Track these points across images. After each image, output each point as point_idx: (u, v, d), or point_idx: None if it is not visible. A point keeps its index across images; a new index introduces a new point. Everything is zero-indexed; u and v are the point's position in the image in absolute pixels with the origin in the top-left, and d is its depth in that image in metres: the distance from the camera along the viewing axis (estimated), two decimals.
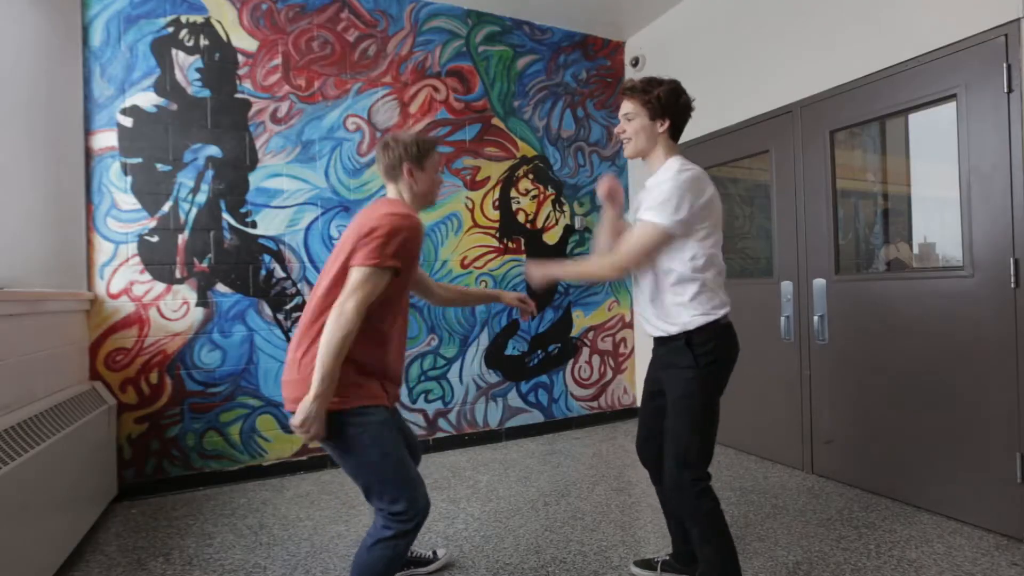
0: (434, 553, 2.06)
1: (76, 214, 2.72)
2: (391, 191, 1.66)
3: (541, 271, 1.70)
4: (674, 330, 1.57)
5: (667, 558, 1.94)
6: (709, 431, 1.57)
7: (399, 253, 1.45)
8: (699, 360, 1.54)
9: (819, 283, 2.85)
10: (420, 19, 3.55)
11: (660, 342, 1.65)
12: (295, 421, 1.38)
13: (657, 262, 1.57)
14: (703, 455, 1.56)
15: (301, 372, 1.45)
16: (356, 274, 1.42)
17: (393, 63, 3.47)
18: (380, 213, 1.46)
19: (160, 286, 2.91)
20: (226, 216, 3.05)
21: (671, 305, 1.57)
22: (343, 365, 1.41)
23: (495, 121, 3.77)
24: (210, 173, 3.03)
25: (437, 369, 3.55)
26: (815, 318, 2.86)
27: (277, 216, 3.16)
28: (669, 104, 1.63)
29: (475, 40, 3.72)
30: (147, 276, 2.89)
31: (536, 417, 3.85)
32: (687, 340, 1.55)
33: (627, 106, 1.67)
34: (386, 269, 1.44)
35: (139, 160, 2.89)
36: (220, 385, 3.01)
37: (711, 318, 1.55)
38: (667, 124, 1.65)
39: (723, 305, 1.59)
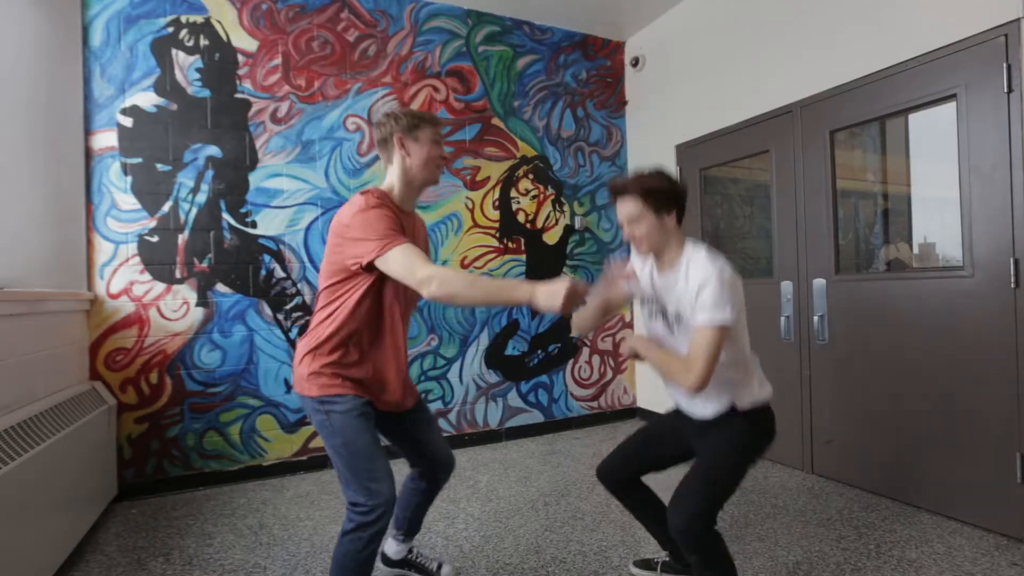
0: (439, 567, 1.94)
1: (76, 214, 2.72)
2: (388, 173, 1.63)
3: (640, 344, 1.63)
4: (724, 409, 1.58)
5: (667, 559, 1.94)
6: (733, 492, 1.61)
7: (396, 229, 1.46)
8: (751, 436, 1.59)
9: (819, 283, 2.85)
10: (420, 19, 3.55)
11: (712, 419, 1.62)
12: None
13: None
14: (720, 509, 1.60)
15: (300, 369, 1.55)
16: (390, 258, 1.40)
17: (393, 63, 3.47)
18: (351, 212, 1.47)
19: (160, 286, 2.91)
20: (226, 216, 3.05)
21: (727, 385, 1.57)
22: (322, 359, 1.51)
23: (495, 121, 3.77)
24: (210, 173, 3.03)
25: (437, 369, 3.55)
26: (815, 318, 2.86)
27: (277, 216, 3.16)
28: (670, 195, 1.58)
29: (475, 40, 3.72)
30: (147, 276, 2.89)
31: (536, 417, 3.85)
32: (744, 415, 1.57)
33: (629, 208, 1.59)
34: (403, 245, 1.43)
35: (139, 160, 2.89)
36: (220, 385, 3.02)
37: (763, 397, 1.60)
38: (674, 213, 1.60)
39: (768, 384, 1.64)
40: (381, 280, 1.51)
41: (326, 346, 1.52)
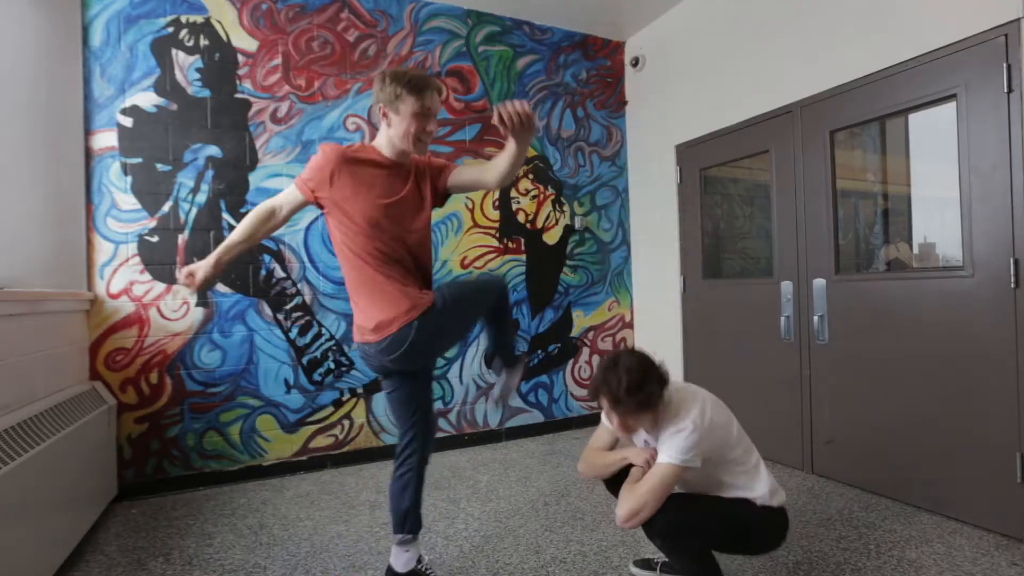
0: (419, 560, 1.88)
1: (76, 214, 2.72)
2: (381, 131, 1.72)
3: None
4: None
5: (666, 559, 1.94)
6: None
7: (312, 177, 1.64)
8: (768, 534, 1.69)
9: (819, 283, 2.85)
10: (420, 19, 3.55)
11: None
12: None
13: (719, 472, 1.68)
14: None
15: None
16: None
17: (393, 63, 3.47)
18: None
19: (160, 286, 2.91)
20: (226, 216, 3.05)
21: (729, 489, 1.67)
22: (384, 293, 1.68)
23: (495, 121, 3.76)
24: (210, 173, 3.03)
25: (437, 369, 3.55)
26: (815, 318, 2.86)
27: None
28: (655, 394, 1.59)
29: (475, 40, 3.72)
30: (147, 276, 2.89)
31: (536, 417, 3.85)
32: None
33: (625, 411, 1.60)
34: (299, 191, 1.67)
35: (139, 160, 2.89)
36: (220, 385, 3.02)
37: (775, 503, 1.66)
38: (660, 401, 1.62)
39: (781, 492, 1.70)
40: (355, 208, 1.65)
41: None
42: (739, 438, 1.69)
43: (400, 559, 1.83)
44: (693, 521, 1.62)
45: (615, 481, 1.85)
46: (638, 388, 1.56)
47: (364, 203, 1.63)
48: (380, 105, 1.62)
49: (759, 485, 1.66)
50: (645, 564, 1.97)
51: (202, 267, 1.72)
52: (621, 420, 1.63)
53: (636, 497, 1.57)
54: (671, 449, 1.56)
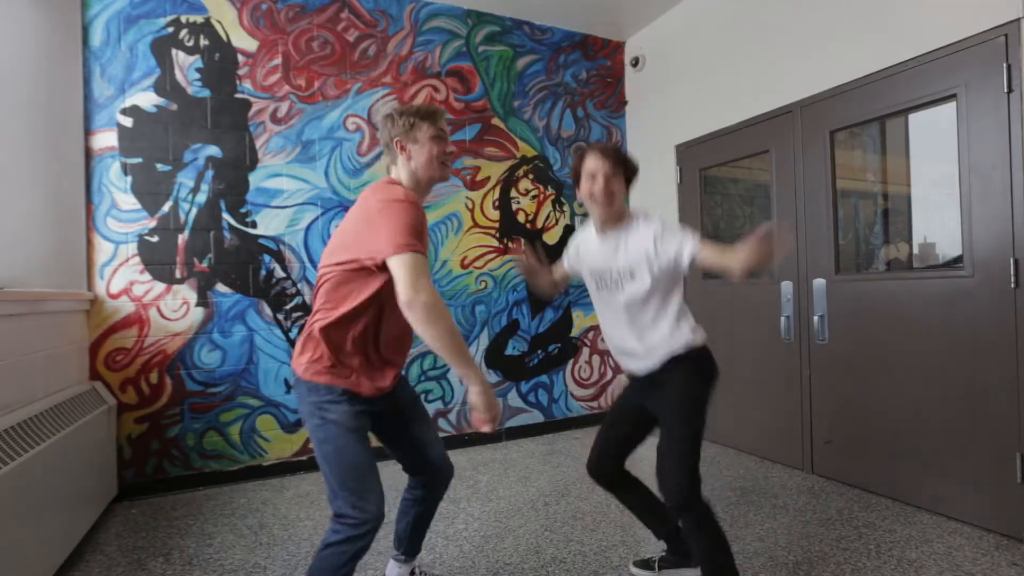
0: None
1: (76, 214, 2.72)
2: (392, 172, 1.59)
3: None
4: (682, 351, 1.67)
5: (663, 554, 1.95)
6: (703, 437, 1.68)
7: (417, 235, 1.37)
8: (699, 374, 1.69)
9: (819, 283, 2.85)
10: (420, 19, 3.55)
11: (663, 365, 1.69)
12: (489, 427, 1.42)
13: (672, 291, 1.72)
14: (699, 459, 1.65)
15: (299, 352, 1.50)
16: (400, 261, 1.33)
17: (393, 63, 3.47)
18: (382, 198, 1.40)
19: (160, 286, 2.91)
20: (226, 216, 3.05)
21: (675, 328, 1.69)
22: (330, 350, 1.44)
23: (495, 121, 3.77)
24: (210, 173, 3.03)
25: (437, 369, 3.55)
26: (815, 318, 2.86)
27: (277, 216, 3.16)
28: (635, 172, 1.81)
29: (475, 40, 3.72)
30: (147, 276, 2.89)
31: (536, 417, 3.85)
32: (687, 358, 1.67)
33: (608, 166, 1.72)
34: (417, 254, 1.36)
35: (139, 160, 2.89)
36: (220, 385, 3.02)
37: (699, 341, 1.71)
38: (628, 192, 1.81)
39: (701, 330, 1.75)
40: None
41: (336, 331, 1.45)
42: None
43: (394, 571, 1.86)
44: (684, 462, 1.61)
45: (614, 482, 1.90)
46: (625, 154, 1.77)
47: None
48: (396, 140, 1.53)
49: (689, 323, 1.72)
50: (644, 564, 1.97)
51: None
52: (606, 183, 1.71)
53: (726, 259, 1.58)
54: (681, 239, 1.64)
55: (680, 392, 1.65)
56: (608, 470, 1.88)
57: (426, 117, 1.54)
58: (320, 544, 1.44)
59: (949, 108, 2.34)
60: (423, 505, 1.78)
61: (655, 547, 2.14)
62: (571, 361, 3.99)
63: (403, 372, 1.73)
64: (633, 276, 1.70)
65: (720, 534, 1.63)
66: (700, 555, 1.63)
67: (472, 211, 3.68)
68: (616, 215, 1.77)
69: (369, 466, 1.45)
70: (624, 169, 1.76)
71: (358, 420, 1.47)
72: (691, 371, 1.67)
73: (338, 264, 1.45)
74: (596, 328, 4.10)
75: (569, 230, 4.00)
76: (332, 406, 1.44)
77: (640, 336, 1.72)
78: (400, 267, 1.33)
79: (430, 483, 1.75)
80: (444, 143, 1.57)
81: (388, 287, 1.41)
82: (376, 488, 1.45)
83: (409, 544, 1.82)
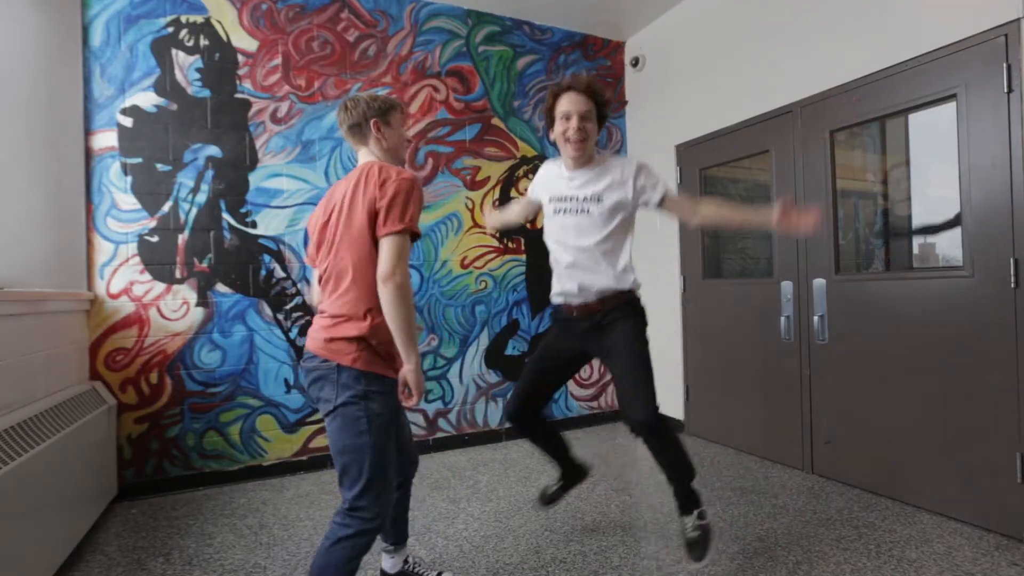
0: None
1: (76, 214, 2.72)
2: (363, 154, 1.62)
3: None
4: (627, 287, 1.85)
5: (560, 483, 2.17)
6: None
7: (416, 216, 1.47)
8: (642, 314, 1.89)
9: (819, 283, 2.85)
10: (420, 19, 3.55)
11: (606, 303, 1.83)
12: (414, 400, 1.48)
13: (626, 230, 1.85)
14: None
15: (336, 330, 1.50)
16: (393, 241, 1.41)
17: (393, 63, 3.47)
18: (387, 178, 1.45)
19: (160, 286, 2.91)
20: (226, 216, 3.05)
21: (626, 267, 1.86)
22: (368, 326, 1.47)
23: (495, 121, 3.77)
24: (210, 173, 3.03)
25: (437, 369, 3.55)
26: (815, 318, 2.86)
27: (277, 216, 3.16)
28: (608, 110, 1.89)
29: (475, 40, 3.72)
30: (147, 276, 2.89)
31: None
32: (637, 302, 1.88)
33: (587, 105, 1.79)
34: (411, 236, 1.46)
35: (139, 160, 2.89)
36: (220, 385, 3.02)
37: (637, 284, 1.90)
38: (596, 134, 1.89)
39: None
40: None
41: (374, 312, 1.46)
42: None
43: (387, 563, 1.90)
44: (648, 386, 1.78)
45: (534, 428, 2.07)
46: (598, 92, 1.81)
47: None
48: (373, 121, 1.58)
49: (631, 267, 1.88)
50: (549, 499, 2.23)
51: None
52: (580, 122, 1.77)
53: (693, 207, 1.85)
54: (657, 179, 1.82)
55: (632, 330, 1.82)
56: (530, 415, 1.99)
57: (396, 106, 1.65)
58: (327, 539, 1.44)
59: (949, 108, 2.34)
60: (397, 492, 1.79)
61: (655, 547, 2.15)
62: None
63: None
64: (600, 200, 1.80)
65: (680, 441, 1.84)
66: (669, 465, 1.83)
67: (472, 211, 3.68)
68: (588, 155, 1.83)
69: (393, 465, 1.50)
70: (597, 108, 1.81)
71: (397, 414, 1.54)
72: (636, 314, 1.86)
73: (362, 241, 1.46)
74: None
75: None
76: (378, 397, 1.46)
77: (599, 263, 1.82)
78: (391, 244, 1.41)
79: (400, 468, 1.77)
80: (407, 129, 1.74)
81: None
82: (392, 487, 1.50)
83: (395, 534, 1.86)
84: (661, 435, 1.80)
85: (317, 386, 1.49)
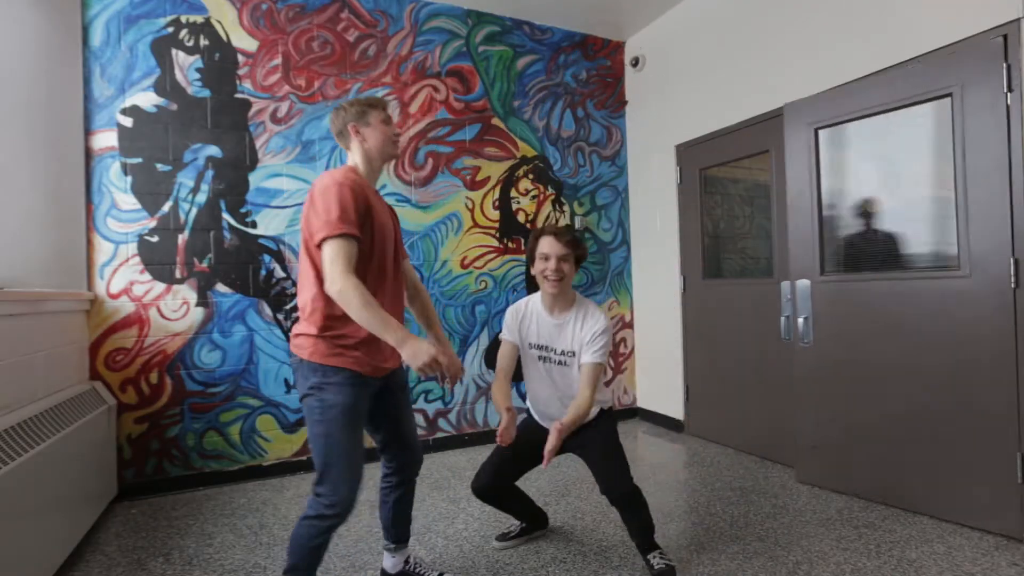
0: None
1: (76, 214, 2.72)
2: (349, 158, 1.72)
3: (554, 437, 1.82)
4: (605, 406, 2.15)
5: (522, 527, 2.26)
6: None
7: (345, 215, 1.47)
8: (613, 419, 2.17)
9: (803, 284, 2.85)
10: (420, 19, 3.56)
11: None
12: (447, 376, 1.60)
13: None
14: None
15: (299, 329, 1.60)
16: (326, 249, 1.45)
17: (393, 63, 3.47)
18: (320, 185, 1.51)
19: (160, 286, 2.91)
20: (226, 216, 3.05)
21: (601, 393, 2.10)
22: (322, 324, 1.53)
23: (495, 121, 3.77)
24: (210, 173, 3.03)
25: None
26: (799, 320, 2.85)
27: (277, 216, 3.16)
28: (583, 254, 2.06)
29: (475, 40, 3.72)
30: (147, 276, 2.89)
31: None
32: (610, 409, 2.17)
33: (564, 249, 1.95)
34: (346, 237, 1.45)
35: (139, 160, 2.89)
36: (220, 385, 3.02)
37: (609, 400, 2.21)
38: (574, 274, 2.04)
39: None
40: (370, 239, 1.56)
41: (325, 312, 1.53)
42: None
43: (388, 562, 1.92)
44: (625, 465, 1.98)
45: (499, 497, 2.18)
46: (576, 239, 2.00)
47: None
48: (350, 126, 1.67)
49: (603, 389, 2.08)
50: (504, 536, 2.24)
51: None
52: (558, 263, 1.93)
53: (585, 401, 1.89)
54: (597, 349, 1.94)
55: (607, 426, 2.08)
56: (498, 490, 2.13)
57: (375, 105, 1.71)
58: (302, 514, 1.56)
59: (948, 108, 2.34)
60: (400, 490, 1.84)
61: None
62: None
63: (404, 366, 1.80)
64: (575, 355, 2.00)
65: (646, 505, 1.98)
66: (639, 526, 1.96)
67: (472, 211, 3.68)
68: (564, 294, 2.01)
69: (352, 454, 1.53)
70: (575, 252, 1.99)
71: (355, 406, 1.55)
72: (609, 417, 2.12)
73: (306, 244, 1.55)
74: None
75: (569, 230, 3.99)
76: (333, 388, 1.51)
77: (569, 399, 2.00)
78: (325, 253, 1.46)
79: (402, 464, 1.82)
80: (391, 125, 1.73)
81: (364, 251, 1.55)
82: (352, 476, 1.53)
83: (396, 532, 1.88)
84: (639, 499, 1.96)
85: (296, 380, 1.60)
